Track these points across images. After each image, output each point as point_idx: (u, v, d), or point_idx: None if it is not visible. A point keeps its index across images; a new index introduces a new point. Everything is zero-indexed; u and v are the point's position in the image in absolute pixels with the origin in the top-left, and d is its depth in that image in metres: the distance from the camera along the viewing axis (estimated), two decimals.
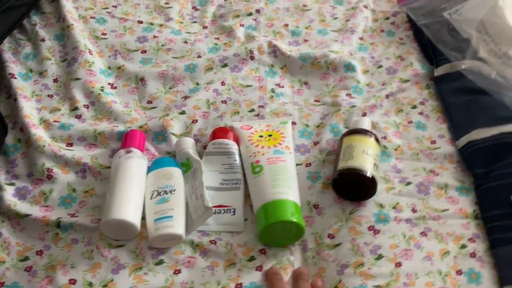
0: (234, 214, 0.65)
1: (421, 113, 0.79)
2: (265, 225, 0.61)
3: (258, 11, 0.93)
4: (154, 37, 0.87)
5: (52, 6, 0.89)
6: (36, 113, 0.74)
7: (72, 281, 0.58)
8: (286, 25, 0.92)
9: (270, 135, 0.71)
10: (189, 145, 0.70)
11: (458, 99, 0.78)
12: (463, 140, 0.73)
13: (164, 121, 0.73)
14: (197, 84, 0.81)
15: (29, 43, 0.84)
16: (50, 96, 0.77)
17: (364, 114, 0.78)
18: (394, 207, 0.67)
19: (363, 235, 0.63)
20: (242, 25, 0.91)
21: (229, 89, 0.80)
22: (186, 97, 0.79)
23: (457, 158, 0.73)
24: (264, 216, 0.61)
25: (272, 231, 0.62)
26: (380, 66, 0.86)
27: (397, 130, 0.76)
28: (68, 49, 0.83)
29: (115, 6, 0.92)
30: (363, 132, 0.69)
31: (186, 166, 0.68)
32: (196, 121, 0.76)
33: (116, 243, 0.61)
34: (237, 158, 0.69)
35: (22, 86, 0.76)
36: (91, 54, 0.82)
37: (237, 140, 0.71)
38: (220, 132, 0.71)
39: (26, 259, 0.60)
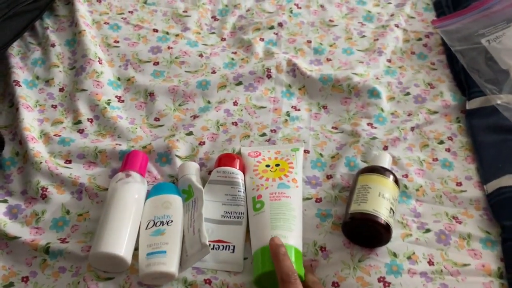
0: (233, 252, 0.60)
1: (448, 150, 0.73)
2: (261, 272, 0.56)
3: (280, 24, 0.88)
4: (169, 48, 0.82)
5: (66, 8, 0.86)
6: (37, 125, 0.71)
7: None
8: (309, 42, 0.87)
9: (277, 165, 0.66)
10: (192, 171, 0.65)
11: (491, 137, 0.71)
12: (493, 185, 0.66)
13: (169, 142, 0.69)
14: (209, 102, 0.76)
15: (39, 47, 0.81)
16: (54, 106, 0.74)
17: (385, 148, 0.71)
18: (409, 257, 0.61)
19: (372, 287, 0.58)
20: (262, 39, 0.86)
21: (241, 110, 0.75)
22: (195, 117, 0.74)
23: (484, 205, 0.66)
24: (261, 262, 0.57)
25: (268, 278, 0.56)
26: (408, 94, 0.80)
27: (421, 168, 0.70)
28: (77, 56, 0.79)
29: (131, 12, 0.88)
30: (382, 171, 0.63)
31: (188, 193, 0.64)
32: (204, 143, 0.71)
33: (105, 275, 0.58)
34: (242, 189, 0.64)
35: (26, 95, 0.73)
36: (100, 63, 0.78)
37: (243, 168, 0.66)
38: (226, 159, 0.66)
39: (11, 285, 0.57)
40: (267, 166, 0.66)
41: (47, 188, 0.64)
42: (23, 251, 0.59)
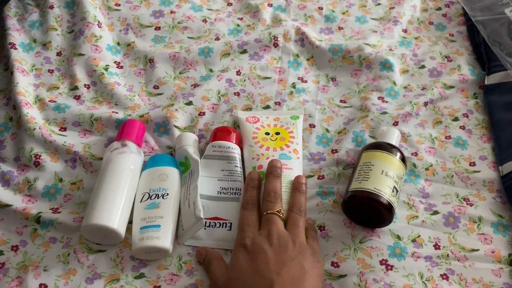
0: (230, 229, 0.58)
1: (462, 128, 0.68)
2: None
3: None
4: (171, 12, 0.79)
5: None
6: (32, 90, 0.68)
7: (43, 286, 0.53)
8: (320, 8, 0.82)
9: (277, 133, 0.63)
10: (189, 142, 0.62)
11: (510, 115, 0.67)
12: (508, 167, 0.62)
13: (168, 112, 0.66)
14: (211, 71, 0.73)
15: (37, 9, 0.78)
16: (51, 71, 0.71)
17: (395, 123, 0.68)
18: (413, 240, 0.57)
19: (373, 270, 0.55)
20: (270, 5, 0.81)
21: (244, 80, 0.72)
22: (195, 85, 0.71)
23: (498, 187, 0.62)
24: None
25: None
26: (423, 67, 0.75)
27: (432, 146, 0.66)
28: (76, 19, 0.76)
29: None
30: (387, 148, 0.59)
31: (185, 166, 0.61)
32: (204, 113, 0.68)
33: (97, 247, 0.56)
34: (239, 164, 0.61)
35: (22, 58, 0.71)
36: (100, 27, 0.75)
37: (240, 142, 0.63)
38: (222, 133, 0.63)
39: (1, 253, 0.56)
40: (267, 134, 0.64)
41: (40, 156, 0.62)
42: (14, 219, 0.58)
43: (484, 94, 0.71)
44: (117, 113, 0.66)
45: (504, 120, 0.67)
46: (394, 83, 0.72)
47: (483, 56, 0.74)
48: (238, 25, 0.78)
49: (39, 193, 0.60)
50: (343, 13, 0.82)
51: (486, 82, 0.71)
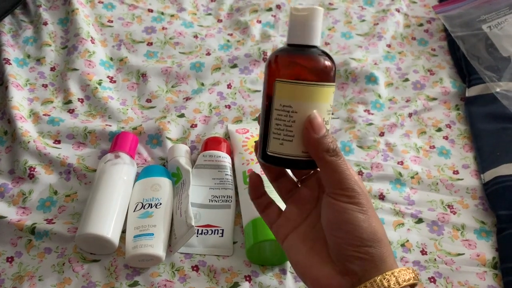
0: (222, 236, 0.59)
1: (445, 138, 0.71)
2: (253, 243, 0.55)
3: (278, 6, 0.86)
4: (163, 28, 0.81)
5: None
6: (26, 104, 0.70)
7: None
8: None
9: None
10: (181, 153, 0.64)
11: (490, 125, 0.70)
12: (490, 174, 0.65)
13: (161, 124, 0.68)
14: (202, 84, 0.75)
15: (31, 25, 0.79)
16: (45, 86, 0.73)
17: (381, 134, 0.70)
18: (402, 245, 0.59)
19: None
20: (259, 22, 0.84)
21: (235, 93, 0.74)
22: (187, 98, 0.73)
23: (481, 194, 0.65)
24: (253, 233, 0.56)
25: (260, 249, 0.56)
26: (406, 80, 0.78)
27: (417, 155, 0.69)
28: (70, 35, 0.78)
29: None
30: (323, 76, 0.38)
31: (177, 176, 0.63)
32: (196, 125, 0.70)
33: (91, 257, 0.57)
34: (229, 172, 0.62)
35: (16, 73, 0.72)
36: (93, 42, 0.76)
37: (230, 151, 0.65)
38: (212, 143, 0.64)
39: None
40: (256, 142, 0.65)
41: (35, 168, 0.63)
42: (9, 231, 0.58)
43: (465, 105, 0.74)
44: (110, 126, 0.68)
45: (484, 130, 0.70)
46: (379, 96, 0.75)
47: (464, 69, 0.77)
48: (228, 41, 0.81)
49: (34, 205, 0.61)
50: (329, 29, 0.85)
51: (467, 94, 0.74)
